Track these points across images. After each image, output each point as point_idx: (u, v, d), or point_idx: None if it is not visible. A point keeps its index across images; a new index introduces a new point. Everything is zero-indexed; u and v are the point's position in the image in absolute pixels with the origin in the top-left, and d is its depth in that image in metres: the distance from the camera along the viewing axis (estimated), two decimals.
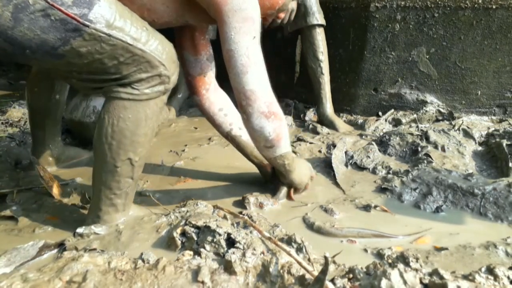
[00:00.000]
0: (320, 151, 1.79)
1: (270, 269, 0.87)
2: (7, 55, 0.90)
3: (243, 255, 0.90)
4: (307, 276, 0.83)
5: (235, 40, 1.05)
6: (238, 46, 1.05)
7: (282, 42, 2.53)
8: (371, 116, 2.22)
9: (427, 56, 2.12)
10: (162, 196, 1.37)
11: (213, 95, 1.39)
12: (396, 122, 2.12)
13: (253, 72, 1.07)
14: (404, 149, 1.70)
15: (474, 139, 1.75)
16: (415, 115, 2.13)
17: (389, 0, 2.07)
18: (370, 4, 2.09)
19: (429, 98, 2.16)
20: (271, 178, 1.40)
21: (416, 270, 0.80)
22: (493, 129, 1.85)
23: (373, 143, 1.72)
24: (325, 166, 1.60)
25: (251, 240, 0.94)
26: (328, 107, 2.16)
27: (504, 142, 1.57)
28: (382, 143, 1.75)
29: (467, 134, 1.78)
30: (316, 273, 0.81)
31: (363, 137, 1.95)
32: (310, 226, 1.17)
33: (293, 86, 2.58)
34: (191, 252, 0.97)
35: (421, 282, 0.77)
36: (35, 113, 1.52)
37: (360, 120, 2.18)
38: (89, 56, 0.92)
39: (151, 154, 1.73)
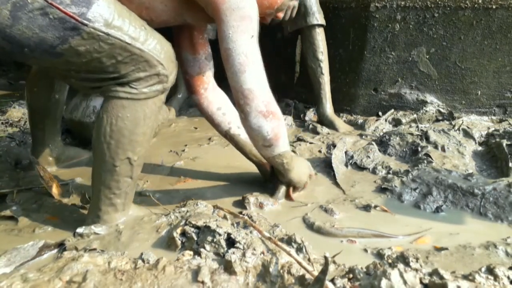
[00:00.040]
0: (320, 151, 1.79)
1: (270, 269, 0.87)
2: (5, 53, 0.90)
3: (243, 255, 0.90)
4: (307, 276, 0.83)
5: (233, 38, 1.05)
6: (236, 45, 1.05)
7: (282, 42, 2.53)
8: (371, 116, 2.22)
9: (427, 56, 2.12)
10: (162, 196, 1.37)
11: (211, 94, 1.39)
12: (396, 122, 2.12)
13: (251, 71, 1.07)
14: (404, 149, 1.70)
15: (474, 139, 1.75)
16: (415, 115, 2.13)
17: (389, 0, 2.07)
18: (370, 4, 2.09)
19: (429, 98, 2.16)
20: (270, 177, 1.41)
21: (416, 270, 0.80)
22: (493, 129, 1.85)
23: (373, 143, 1.72)
24: (325, 166, 1.60)
25: (251, 240, 0.94)
26: (328, 107, 2.16)
27: (504, 142, 1.57)
28: (382, 143, 1.75)
29: (467, 134, 1.78)
30: (316, 273, 0.81)
31: (363, 137, 1.95)
32: (310, 226, 1.17)
33: (293, 86, 2.58)
34: (191, 252, 0.96)
35: (421, 282, 0.77)
36: (34, 112, 1.52)
37: (360, 120, 2.18)
38: (88, 55, 0.93)
39: (151, 154, 1.73)
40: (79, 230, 1.06)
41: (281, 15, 1.29)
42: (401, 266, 0.83)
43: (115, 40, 0.93)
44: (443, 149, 1.65)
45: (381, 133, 1.92)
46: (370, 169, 1.58)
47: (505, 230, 1.16)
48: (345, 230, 1.13)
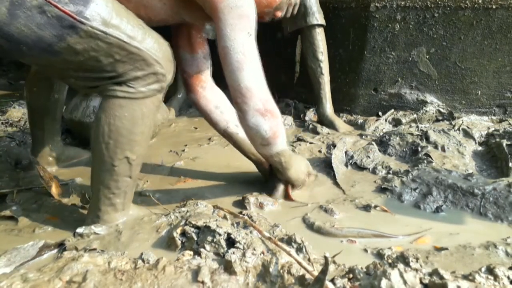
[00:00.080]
0: (320, 151, 1.79)
1: (270, 269, 0.87)
2: (3, 51, 0.90)
3: (243, 255, 0.90)
4: (307, 276, 0.83)
5: (230, 37, 1.05)
6: (234, 43, 1.05)
7: (282, 42, 2.53)
8: (371, 116, 2.22)
9: (427, 56, 2.12)
10: (162, 196, 1.37)
11: (209, 93, 1.39)
12: (396, 122, 2.12)
13: (249, 69, 1.07)
14: (404, 149, 1.70)
15: (474, 139, 1.75)
16: (415, 115, 2.13)
17: (389, 0, 2.07)
18: (370, 4, 2.09)
19: (429, 98, 2.16)
20: (269, 175, 1.41)
21: (416, 270, 0.80)
22: (493, 129, 1.85)
23: (373, 143, 1.72)
24: (325, 166, 1.60)
25: (251, 240, 0.94)
26: (328, 107, 2.16)
27: (504, 142, 1.57)
28: (382, 143, 1.75)
29: (467, 134, 1.78)
30: (316, 273, 0.81)
31: (363, 137, 1.95)
32: (310, 226, 1.17)
33: (293, 86, 2.58)
34: (191, 252, 0.96)
35: (421, 282, 0.77)
36: (34, 112, 1.52)
37: (360, 120, 2.18)
38: (85, 53, 0.93)
39: (151, 154, 1.73)
40: (79, 230, 1.06)
41: (279, 13, 1.28)
42: (401, 266, 0.83)
43: (112, 38, 0.93)
44: (443, 149, 1.65)
45: (381, 133, 1.92)
46: (370, 169, 1.58)
47: (505, 230, 1.16)
48: (345, 230, 1.13)
